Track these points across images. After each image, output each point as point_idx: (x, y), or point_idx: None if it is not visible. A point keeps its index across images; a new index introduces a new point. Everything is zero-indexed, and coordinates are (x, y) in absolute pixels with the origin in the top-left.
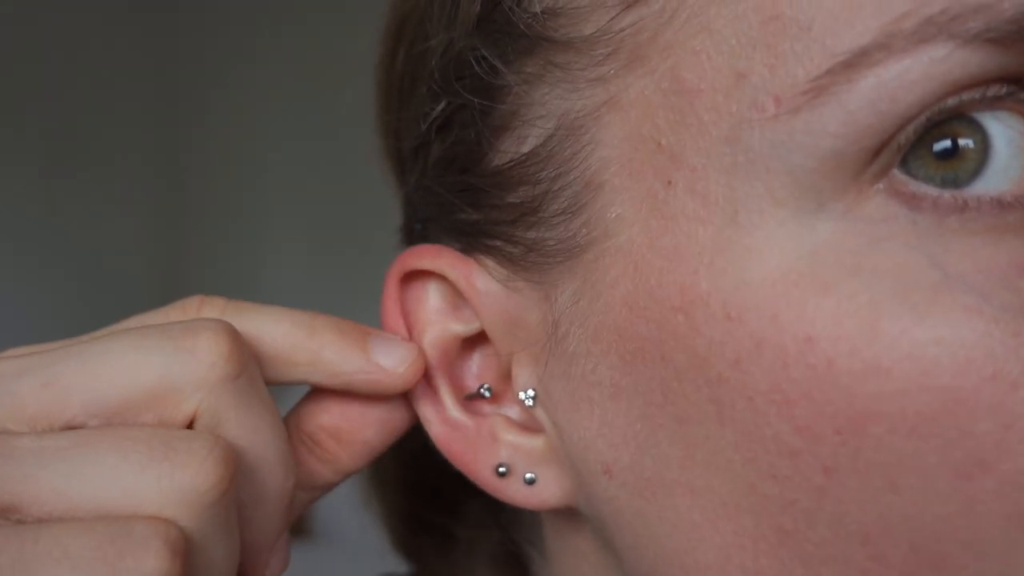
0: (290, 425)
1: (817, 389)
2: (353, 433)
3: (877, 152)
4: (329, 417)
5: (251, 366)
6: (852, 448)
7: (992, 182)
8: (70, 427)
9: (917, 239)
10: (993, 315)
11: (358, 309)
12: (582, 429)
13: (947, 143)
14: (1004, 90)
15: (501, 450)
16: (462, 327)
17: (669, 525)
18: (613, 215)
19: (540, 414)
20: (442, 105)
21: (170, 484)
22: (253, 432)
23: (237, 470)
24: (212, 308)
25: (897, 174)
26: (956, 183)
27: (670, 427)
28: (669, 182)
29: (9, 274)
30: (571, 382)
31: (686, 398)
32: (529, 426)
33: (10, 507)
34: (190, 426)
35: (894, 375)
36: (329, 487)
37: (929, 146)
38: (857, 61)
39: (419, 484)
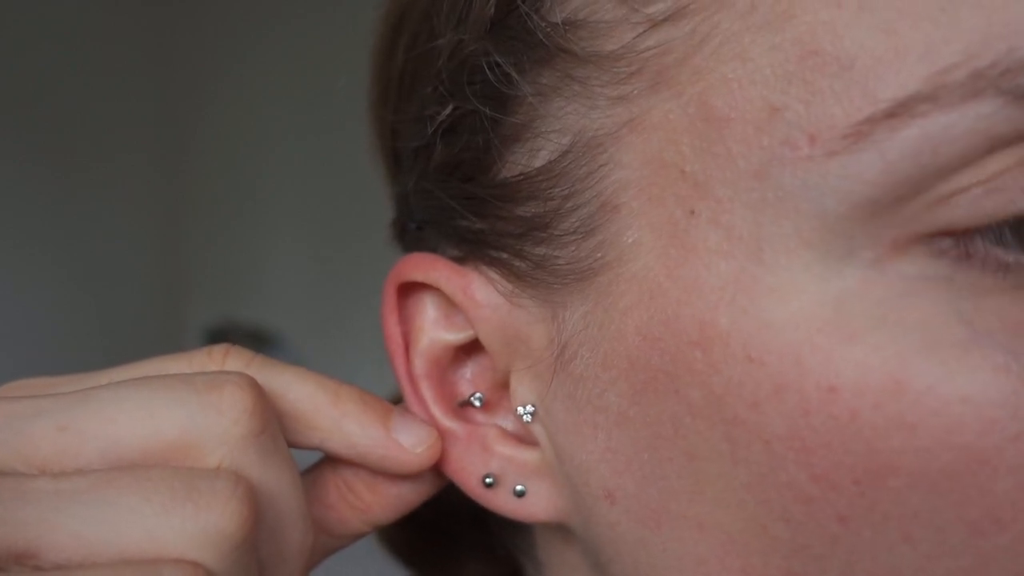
0: (325, 470)
1: (838, 440)
2: (389, 485)
3: (922, 206)
4: (358, 474)
5: (273, 423)
6: (869, 499)
7: None
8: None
9: (949, 295)
10: (1020, 374)
11: (358, 309)
12: (584, 452)
13: None
14: None
15: (492, 460)
16: (453, 336)
17: (674, 558)
18: (630, 240)
19: (537, 429)
20: (449, 109)
21: (195, 526)
22: (274, 488)
23: (259, 514)
24: (237, 359)
25: (970, 233)
26: None
27: (679, 461)
28: (692, 211)
29: (12, 271)
30: (575, 404)
31: (699, 435)
32: (523, 439)
33: (27, 553)
34: None
35: (918, 432)
36: (356, 537)
37: None
38: (901, 111)
39: None
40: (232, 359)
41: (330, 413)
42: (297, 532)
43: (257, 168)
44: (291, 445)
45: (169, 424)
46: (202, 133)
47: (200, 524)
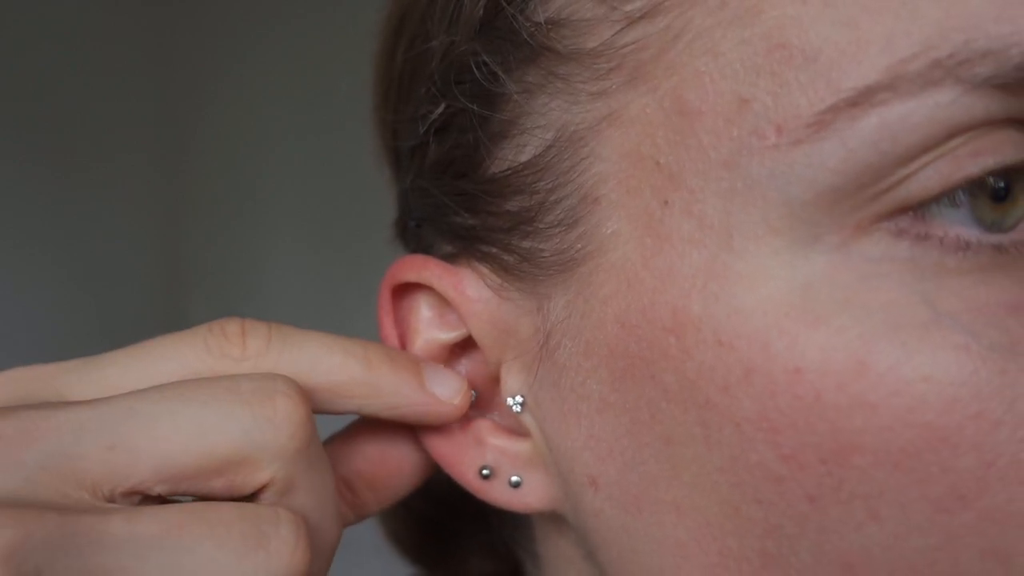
0: None
1: (803, 420)
2: (388, 481)
3: (883, 189)
4: (368, 465)
5: (316, 429)
6: (836, 478)
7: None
8: (134, 493)
9: (911, 277)
10: (981, 354)
11: (359, 308)
12: (569, 440)
13: (1003, 183)
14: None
15: (487, 453)
16: (446, 335)
17: (654, 542)
18: (608, 231)
19: (527, 419)
20: (441, 108)
21: (267, 574)
22: (318, 496)
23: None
24: (258, 339)
25: (920, 213)
26: (1001, 227)
27: (657, 446)
28: (666, 202)
29: (12, 271)
30: (560, 393)
31: (674, 419)
32: (516, 430)
33: None
34: (260, 490)
35: (880, 411)
36: (344, 527)
37: (990, 189)
38: (862, 100)
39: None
40: (252, 340)
41: (365, 379)
42: (332, 531)
43: (257, 168)
44: (324, 412)
45: (224, 440)
46: (202, 133)
47: (271, 571)
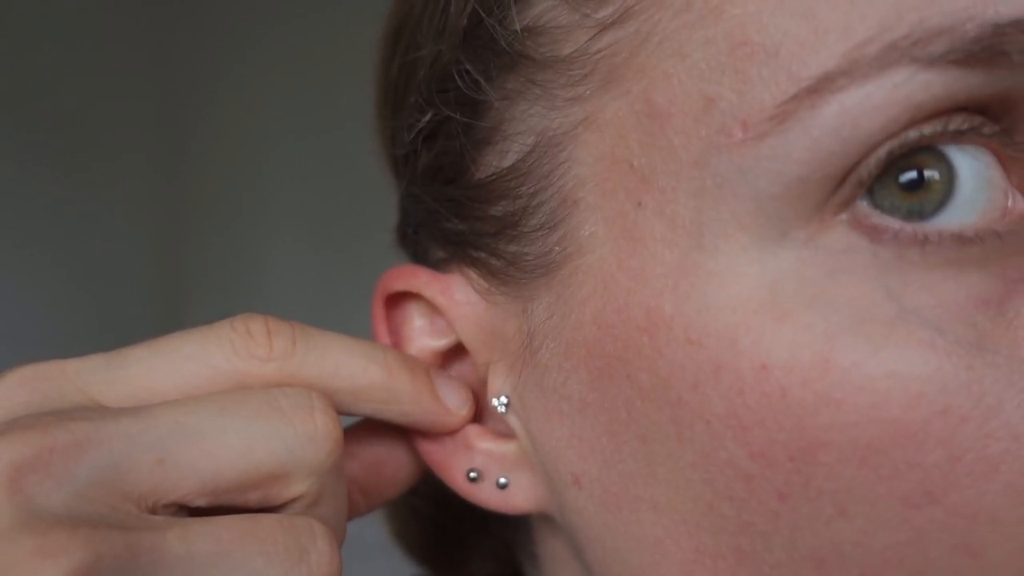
0: None
1: (771, 417)
2: (381, 486)
3: (841, 181)
4: (364, 472)
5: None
6: (804, 475)
7: (957, 215)
8: (176, 505)
9: (876, 271)
10: (947, 349)
11: (359, 308)
12: (553, 439)
13: (913, 174)
14: (967, 124)
15: (475, 456)
16: (436, 342)
17: (634, 540)
18: (587, 233)
19: (513, 420)
20: (428, 116)
21: None
22: (339, 506)
23: None
24: (283, 340)
25: (861, 205)
26: (921, 215)
27: (634, 444)
28: (639, 203)
29: (12, 271)
30: (543, 393)
31: (648, 417)
32: (502, 432)
33: None
34: (290, 501)
35: (845, 407)
36: None
37: (896, 177)
38: (821, 87)
39: (426, 486)
40: (277, 340)
41: (385, 384)
42: (343, 530)
43: (257, 168)
44: (344, 414)
45: (268, 457)
46: (202, 133)
47: None
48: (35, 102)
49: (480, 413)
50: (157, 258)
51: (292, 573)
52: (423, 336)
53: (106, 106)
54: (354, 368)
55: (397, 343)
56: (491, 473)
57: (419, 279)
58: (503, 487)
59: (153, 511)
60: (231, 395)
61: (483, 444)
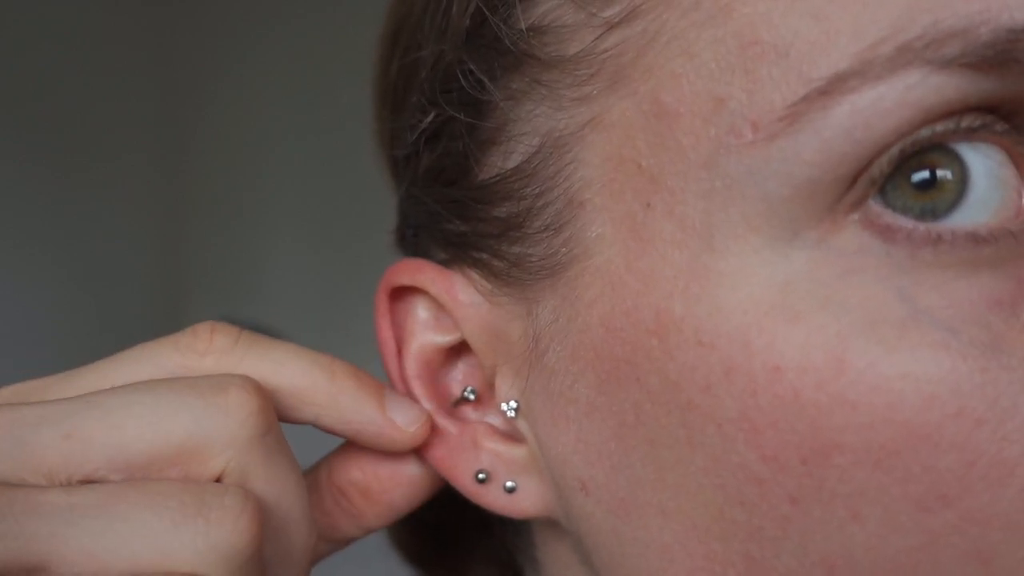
0: (320, 476)
1: (783, 419)
2: (382, 493)
3: (852, 181)
4: (361, 474)
5: (277, 424)
6: (817, 478)
7: (970, 214)
8: (90, 481)
9: (889, 272)
10: (960, 351)
11: (359, 308)
12: (560, 444)
13: (925, 174)
14: (979, 122)
15: (483, 457)
16: (441, 338)
17: (642, 546)
18: (593, 235)
19: (522, 425)
20: (431, 117)
21: (206, 542)
22: (279, 489)
23: (264, 519)
24: (224, 337)
25: (873, 205)
26: (934, 214)
27: (643, 448)
28: (648, 204)
29: (12, 271)
30: (550, 397)
31: (658, 421)
32: (511, 435)
33: (38, 567)
34: (216, 480)
35: (859, 409)
36: (349, 541)
37: (908, 176)
38: (832, 88)
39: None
40: (219, 337)
41: (326, 388)
42: (301, 532)
43: (257, 168)
44: (285, 420)
45: (176, 428)
46: (202, 133)
47: (211, 540)
48: (35, 102)
49: (488, 411)
50: (157, 258)
51: (184, 525)
52: (427, 331)
53: (106, 106)
54: (296, 368)
55: (400, 338)
56: (499, 476)
57: (425, 274)
58: (510, 491)
59: (68, 485)
60: (155, 380)
61: (491, 445)
